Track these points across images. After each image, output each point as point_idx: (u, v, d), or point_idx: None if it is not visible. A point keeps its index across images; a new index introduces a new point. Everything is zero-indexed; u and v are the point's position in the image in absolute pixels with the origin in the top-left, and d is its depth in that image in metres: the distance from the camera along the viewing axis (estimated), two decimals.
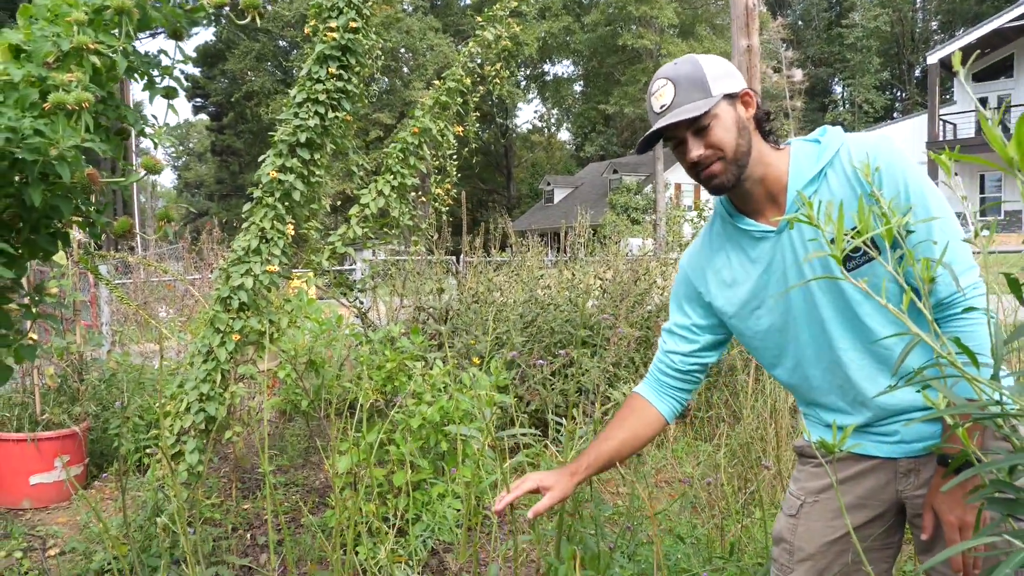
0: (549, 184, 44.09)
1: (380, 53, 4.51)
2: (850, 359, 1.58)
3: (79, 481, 4.44)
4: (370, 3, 4.17)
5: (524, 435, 2.42)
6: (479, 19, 5.03)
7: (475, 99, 5.04)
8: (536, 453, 2.64)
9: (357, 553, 2.72)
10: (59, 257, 4.51)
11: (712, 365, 1.87)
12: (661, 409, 1.82)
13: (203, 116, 53.36)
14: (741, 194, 1.61)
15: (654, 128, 1.54)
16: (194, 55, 45.10)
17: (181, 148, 73.07)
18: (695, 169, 1.57)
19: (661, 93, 1.54)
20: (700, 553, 2.86)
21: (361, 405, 2.37)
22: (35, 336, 4.45)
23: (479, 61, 5.04)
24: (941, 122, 27.85)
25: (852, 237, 0.99)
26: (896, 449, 1.62)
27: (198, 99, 47.78)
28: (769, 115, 1.63)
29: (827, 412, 1.69)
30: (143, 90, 1.93)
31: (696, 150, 1.53)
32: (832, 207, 1.49)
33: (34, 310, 1.96)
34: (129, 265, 8.42)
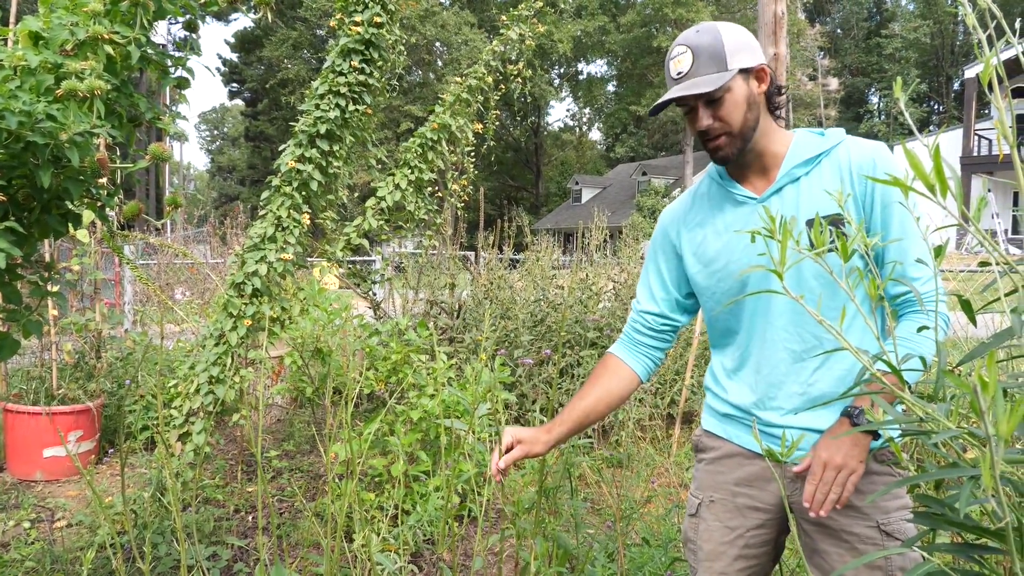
0: (577, 184, 44.04)
1: (403, 49, 4.56)
2: (782, 337, 1.61)
3: (92, 455, 4.55)
4: None
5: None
6: (504, 18, 5.06)
7: (496, 98, 5.08)
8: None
9: (352, 540, 2.77)
10: (82, 236, 4.62)
11: (681, 329, 1.89)
12: (635, 368, 1.84)
13: (238, 101, 53.90)
14: (739, 162, 1.66)
15: (669, 96, 1.58)
16: (232, 40, 45.59)
17: (216, 132, 73.90)
18: (702, 137, 1.62)
19: (680, 60, 1.58)
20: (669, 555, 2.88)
21: (360, 395, 2.41)
22: (55, 312, 4.55)
23: (503, 60, 5.07)
24: (976, 137, 27.41)
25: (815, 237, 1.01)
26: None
27: (234, 84, 48.28)
28: (780, 90, 1.68)
29: (736, 383, 1.70)
30: (156, 80, 1.99)
31: (705, 120, 1.58)
32: (813, 194, 1.58)
33: (44, 287, 2.03)
34: (155, 246, 8.55)
